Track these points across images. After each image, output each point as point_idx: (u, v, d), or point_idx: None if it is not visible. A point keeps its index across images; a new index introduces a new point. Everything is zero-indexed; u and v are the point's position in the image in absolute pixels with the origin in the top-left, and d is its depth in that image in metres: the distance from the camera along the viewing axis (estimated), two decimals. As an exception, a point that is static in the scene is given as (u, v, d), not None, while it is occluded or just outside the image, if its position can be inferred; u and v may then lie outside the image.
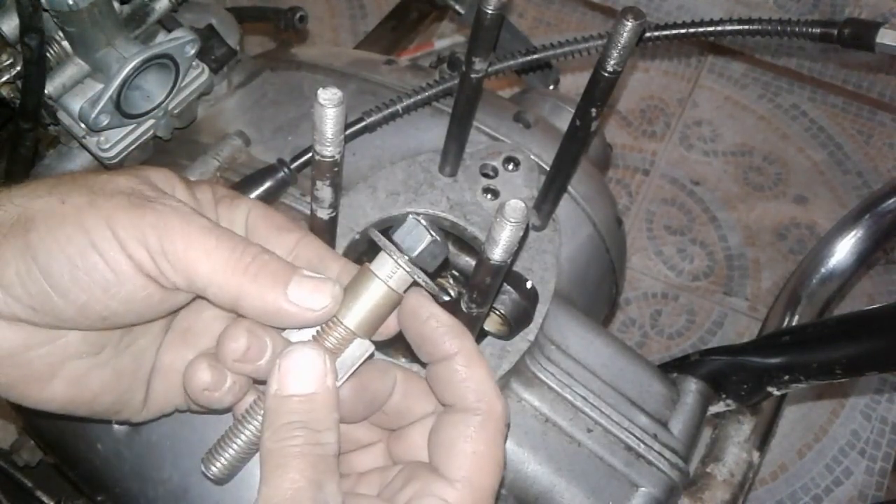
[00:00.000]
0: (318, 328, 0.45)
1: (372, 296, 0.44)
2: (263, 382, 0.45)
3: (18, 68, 0.69)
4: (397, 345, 0.66)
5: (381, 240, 0.44)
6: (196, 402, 0.47)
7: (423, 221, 0.44)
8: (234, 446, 0.46)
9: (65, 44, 0.70)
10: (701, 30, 0.69)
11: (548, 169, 0.64)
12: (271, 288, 0.43)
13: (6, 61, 0.70)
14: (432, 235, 0.44)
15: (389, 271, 0.44)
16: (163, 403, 0.50)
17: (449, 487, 0.43)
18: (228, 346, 0.44)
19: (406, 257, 0.44)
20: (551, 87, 0.97)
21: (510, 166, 0.70)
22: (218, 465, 0.46)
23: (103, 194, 0.43)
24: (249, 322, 0.45)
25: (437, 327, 0.45)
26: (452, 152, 0.66)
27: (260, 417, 0.45)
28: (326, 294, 0.44)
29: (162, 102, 0.74)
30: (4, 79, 0.70)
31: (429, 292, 0.45)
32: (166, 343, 0.50)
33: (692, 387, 0.71)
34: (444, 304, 0.68)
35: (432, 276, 0.45)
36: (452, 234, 0.67)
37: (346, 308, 0.45)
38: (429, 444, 0.46)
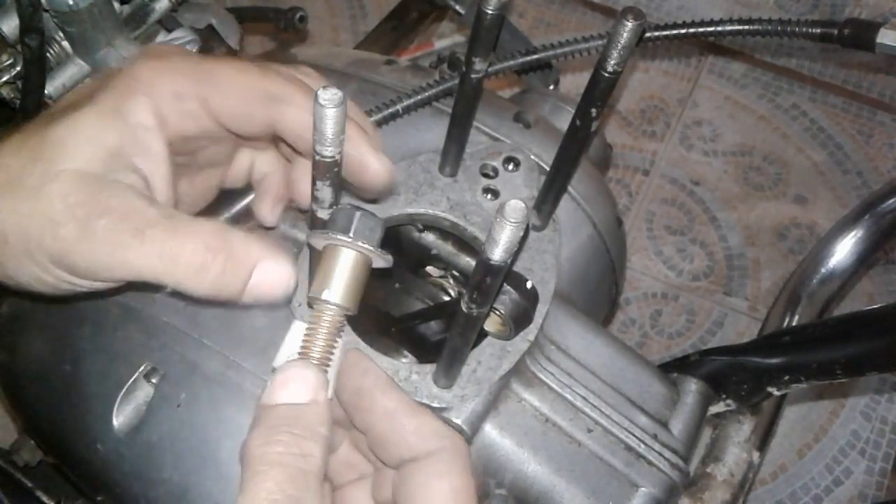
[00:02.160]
0: (309, 320, 0.47)
1: (344, 264, 0.47)
2: None
3: (18, 68, 0.69)
4: (400, 346, 0.66)
5: (320, 233, 0.47)
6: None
7: (350, 206, 0.47)
8: None
9: (65, 44, 0.70)
10: (701, 30, 0.69)
11: (548, 169, 0.64)
12: (230, 275, 0.46)
13: (6, 61, 0.70)
14: (361, 209, 0.46)
15: (347, 240, 0.46)
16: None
17: None
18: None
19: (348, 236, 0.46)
20: (551, 87, 0.97)
21: (510, 166, 0.69)
22: None
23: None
24: None
25: (375, 382, 0.46)
26: (452, 152, 0.66)
27: None
28: (286, 279, 0.47)
29: (162, 102, 0.74)
30: (4, 79, 0.70)
31: (379, 257, 0.48)
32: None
33: (692, 387, 0.71)
34: (444, 304, 0.68)
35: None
36: (452, 235, 0.67)
37: (325, 288, 0.46)
38: (397, 498, 0.45)
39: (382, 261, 0.48)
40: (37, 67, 0.67)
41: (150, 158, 0.48)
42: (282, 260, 0.47)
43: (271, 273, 0.46)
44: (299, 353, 0.47)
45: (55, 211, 0.44)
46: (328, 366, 0.47)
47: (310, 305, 0.49)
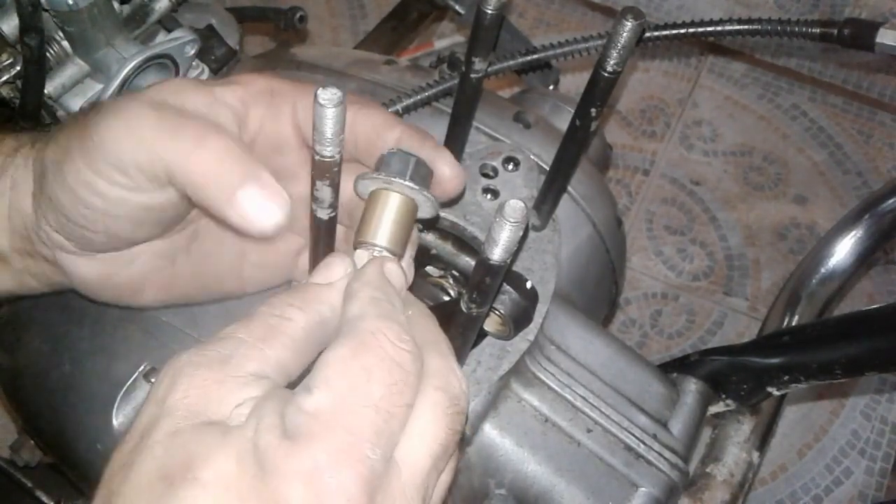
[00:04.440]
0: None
1: (390, 209, 0.46)
2: None
3: (18, 68, 0.69)
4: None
5: (374, 175, 0.47)
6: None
7: (400, 150, 0.47)
8: None
9: (65, 44, 0.70)
10: (701, 30, 0.69)
11: (547, 169, 0.64)
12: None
13: (6, 61, 0.70)
14: (414, 156, 0.47)
15: (396, 185, 0.46)
16: (265, 284, 0.56)
17: (308, 395, 0.38)
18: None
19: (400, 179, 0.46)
20: (551, 87, 0.97)
21: (510, 166, 0.69)
22: None
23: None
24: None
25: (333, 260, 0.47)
26: (452, 152, 0.66)
27: None
28: (279, 211, 0.43)
29: (162, 102, 0.74)
30: (4, 78, 0.70)
31: (429, 204, 0.48)
32: (250, 245, 0.54)
33: (692, 387, 0.71)
34: (443, 304, 0.68)
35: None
36: (452, 234, 0.67)
37: (373, 233, 0.46)
38: None
39: (431, 208, 0.48)
40: (36, 67, 0.67)
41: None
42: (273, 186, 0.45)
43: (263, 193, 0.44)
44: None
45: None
46: None
47: (355, 249, 0.49)
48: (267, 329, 0.40)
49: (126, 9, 0.72)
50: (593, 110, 0.55)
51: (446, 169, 0.50)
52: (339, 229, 0.51)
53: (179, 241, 0.52)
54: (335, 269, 0.44)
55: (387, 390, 0.38)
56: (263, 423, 0.36)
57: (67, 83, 0.70)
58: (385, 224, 0.46)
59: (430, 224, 0.54)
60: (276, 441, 0.35)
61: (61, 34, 0.69)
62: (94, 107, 0.48)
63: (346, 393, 0.37)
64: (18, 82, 0.69)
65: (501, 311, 0.59)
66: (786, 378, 0.70)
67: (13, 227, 0.50)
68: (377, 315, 0.40)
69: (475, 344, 0.58)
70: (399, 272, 0.45)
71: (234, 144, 0.44)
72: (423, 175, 0.47)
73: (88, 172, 0.45)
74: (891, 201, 0.87)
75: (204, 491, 0.34)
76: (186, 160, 0.43)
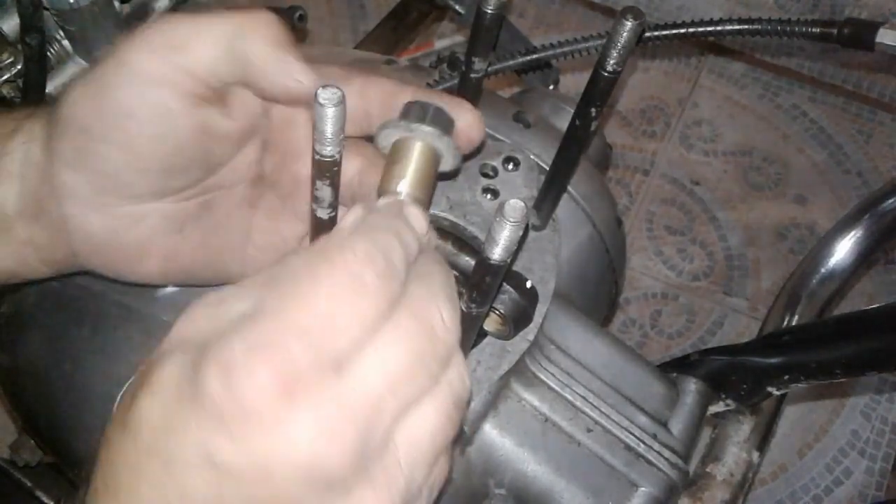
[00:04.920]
0: None
1: (414, 157, 0.46)
2: None
3: (19, 67, 0.69)
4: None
5: (396, 123, 0.46)
6: None
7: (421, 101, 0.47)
8: None
9: (65, 43, 0.70)
10: (701, 30, 0.69)
11: (547, 169, 0.64)
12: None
13: (7, 60, 0.70)
14: (434, 104, 0.47)
15: (419, 134, 0.46)
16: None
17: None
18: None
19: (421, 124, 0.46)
20: (551, 87, 0.97)
21: (510, 166, 0.69)
22: None
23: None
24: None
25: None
26: (452, 152, 0.66)
27: None
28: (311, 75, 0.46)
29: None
30: (5, 77, 0.70)
31: (452, 155, 0.47)
32: (256, 225, 0.54)
33: (692, 387, 0.71)
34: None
35: None
36: (452, 234, 0.67)
37: (395, 181, 0.46)
38: None
39: (453, 158, 0.47)
40: (38, 66, 0.67)
41: None
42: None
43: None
44: None
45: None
46: None
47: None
48: None
49: (126, 8, 0.72)
50: (593, 110, 0.55)
51: (468, 115, 0.49)
52: None
53: (190, 208, 0.52)
54: (348, 216, 0.41)
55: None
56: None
57: (68, 82, 0.71)
58: (409, 172, 0.46)
59: (452, 176, 0.54)
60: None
61: (62, 33, 0.69)
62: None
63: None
64: (19, 81, 0.69)
65: (501, 311, 0.59)
66: (786, 378, 0.70)
67: (24, 186, 0.49)
68: (360, 232, 0.37)
69: (475, 344, 0.58)
70: (420, 216, 0.43)
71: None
72: (444, 123, 0.47)
73: (137, 83, 0.45)
74: (891, 201, 0.87)
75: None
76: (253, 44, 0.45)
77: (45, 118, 0.49)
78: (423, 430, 0.37)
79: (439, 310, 0.38)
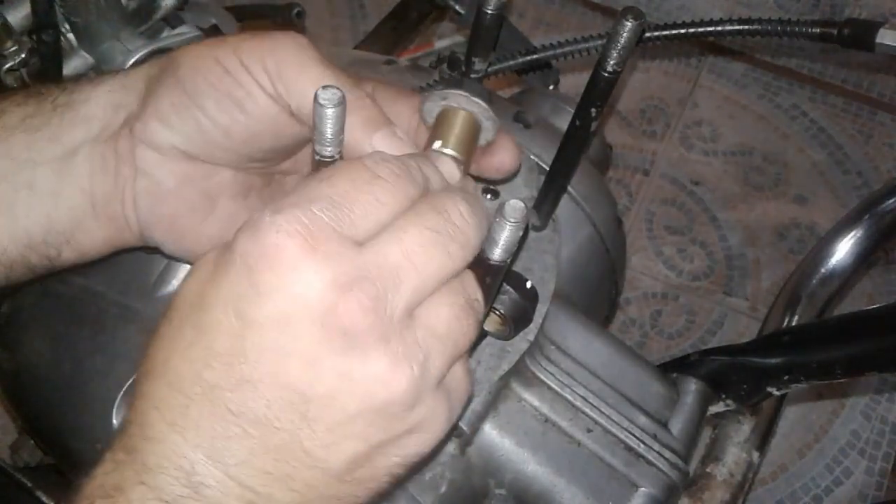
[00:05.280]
0: None
1: (457, 125, 0.49)
2: None
3: (23, 56, 0.69)
4: None
5: (438, 94, 0.50)
6: None
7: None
8: None
9: (70, 36, 0.71)
10: (701, 30, 0.69)
11: (548, 169, 0.64)
12: (361, 129, 0.46)
13: (11, 48, 0.70)
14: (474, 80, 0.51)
15: (460, 101, 0.50)
16: None
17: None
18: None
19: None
20: (551, 87, 0.97)
21: (510, 166, 0.69)
22: None
23: (233, 37, 0.49)
24: None
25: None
26: (452, 152, 0.66)
27: None
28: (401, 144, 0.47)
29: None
30: (8, 66, 0.70)
31: (491, 124, 0.51)
32: None
33: (692, 387, 0.71)
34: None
35: None
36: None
37: (441, 140, 0.49)
38: None
39: (493, 127, 0.51)
40: (54, 63, 0.67)
41: None
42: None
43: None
44: None
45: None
46: None
47: None
48: None
49: (132, 3, 0.72)
50: (593, 110, 0.55)
51: (502, 142, 0.53)
52: None
53: (257, 180, 0.54)
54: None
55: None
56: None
57: (73, 75, 0.71)
58: (451, 138, 0.49)
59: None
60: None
61: (67, 26, 0.70)
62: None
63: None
64: (23, 71, 0.70)
65: (501, 311, 0.59)
66: (786, 378, 0.70)
67: (99, 130, 0.50)
68: (383, 158, 0.41)
69: (475, 344, 0.58)
70: (452, 165, 0.46)
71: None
72: (484, 96, 0.50)
73: (260, 78, 0.47)
74: (891, 201, 0.87)
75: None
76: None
77: (145, 73, 0.50)
78: (440, 317, 0.40)
79: (457, 205, 0.40)
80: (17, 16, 0.69)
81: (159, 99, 0.48)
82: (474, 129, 0.50)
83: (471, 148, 0.50)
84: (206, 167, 0.51)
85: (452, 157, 0.48)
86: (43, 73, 0.68)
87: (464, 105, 0.50)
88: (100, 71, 0.71)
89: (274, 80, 0.47)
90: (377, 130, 0.46)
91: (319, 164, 0.45)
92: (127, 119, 0.50)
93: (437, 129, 0.50)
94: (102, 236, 0.52)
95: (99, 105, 0.50)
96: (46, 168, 0.49)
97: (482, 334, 0.61)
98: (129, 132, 0.50)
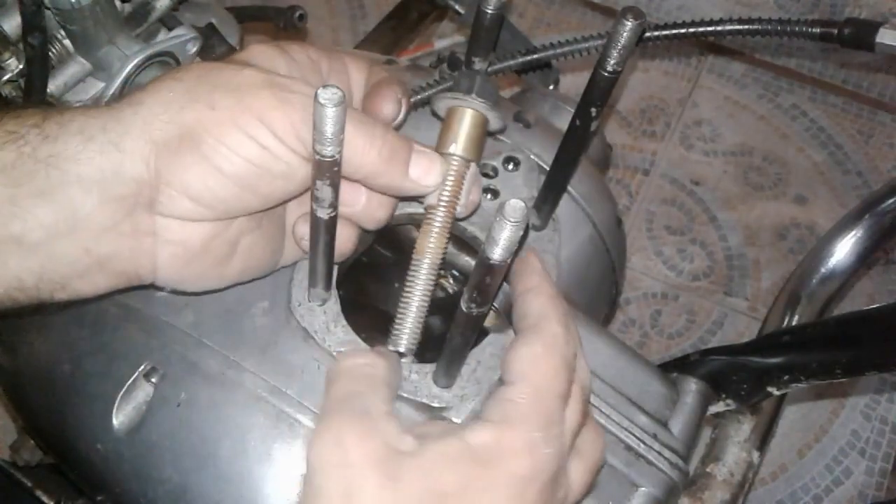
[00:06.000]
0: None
1: (467, 123, 0.55)
2: None
3: (21, 66, 0.69)
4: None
5: (451, 94, 0.55)
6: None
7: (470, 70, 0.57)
8: (412, 314, 0.55)
9: (66, 42, 0.70)
10: (701, 30, 0.69)
11: (548, 169, 0.64)
12: (397, 168, 0.51)
13: (8, 59, 0.70)
14: (481, 75, 0.55)
15: (469, 103, 0.55)
16: (291, 257, 0.60)
17: (510, 388, 0.49)
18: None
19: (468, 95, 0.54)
20: (551, 87, 0.97)
21: (510, 166, 0.70)
22: (404, 339, 0.55)
23: (248, 93, 0.48)
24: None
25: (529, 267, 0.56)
26: (452, 152, 0.66)
27: (422, 277, 0.55)
28: (437, 172, 0.53)
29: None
30: (6, 77, 0.70)
31: (496, 118, 0.56)
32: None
33: (692, 387, 0.71)
34: (443, 303, 0.68)
35: None
36: (452, 234, 0.67)
37: (451, 144, 0.55)
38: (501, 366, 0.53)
39: (498, 120, 0.56)
40: (40, 66, 0.66)
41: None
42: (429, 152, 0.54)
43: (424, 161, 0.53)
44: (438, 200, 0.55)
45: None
46: (456, 206, 0.55)
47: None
48: None
49: (127, 7, 0.72)
50: (593, 110, 0.55)
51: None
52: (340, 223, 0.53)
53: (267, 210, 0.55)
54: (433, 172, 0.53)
55: (567, 386, 0.50)
56: (461, 428, 0.47)
57: (69, 82, 0.70)
58: (461, 135, 0.55)
59: (499, 133, 0.66)
60: (489, 433, 0.46)
61: (63, 33, 0.69)
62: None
63: (541, 385, 0.49)
64: (21, 81, 0.69)
65: (498, 309, 0.59)
66: (786, 378, 0.70)
67: (107, 195, 0.47)
68: (558, 319, 0.51)
69: (475, 343, 0.58)
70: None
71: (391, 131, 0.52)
72: (490, 91, 0.54)
73: (275, 139, 0.48)
74: (891, 201, 0.87)
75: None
76: (362, 159, 0.50)
77: (148, 138, 0.47)
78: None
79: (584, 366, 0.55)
80: (12, 24, 0.68)
81: (185, 174, 0.48)
82: (484, 124, 0.56)
83: (482, 141, 0.56)
84: (227, 220, 0.51)
85: (470, 157, 0.55)
86: (28, 78, 0.67)
87: (476, 107, 0.54)
88: (98, 72, 0.71)
89: (307, 145, 0.47)
90: (407, 165, 0.51)
91: (320, 164, 0.45)
92: (138, 189, 0.48)
93: (451, 126, 0.55)
94: (106, 285, 0.51)
95: (92, 166, 0.47)
96: (35, 225, 0.46)
97: (482, 331, 0.61)
98: (149, 205, 0.48)
